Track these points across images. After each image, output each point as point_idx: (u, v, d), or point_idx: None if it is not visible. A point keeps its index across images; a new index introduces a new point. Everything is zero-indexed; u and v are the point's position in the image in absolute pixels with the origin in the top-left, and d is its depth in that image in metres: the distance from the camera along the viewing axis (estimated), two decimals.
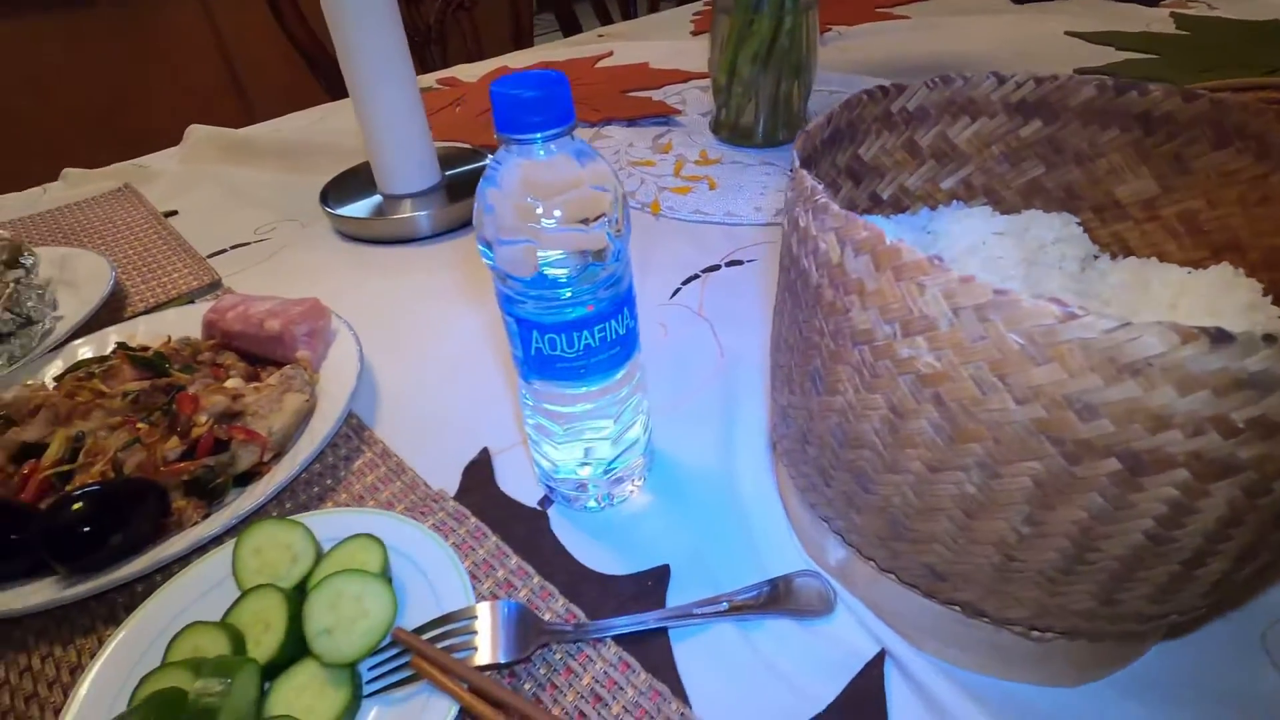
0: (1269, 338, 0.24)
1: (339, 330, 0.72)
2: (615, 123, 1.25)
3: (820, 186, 0.35)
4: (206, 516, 0.55)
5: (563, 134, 0.40)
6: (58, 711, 0.43)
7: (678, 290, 0.80)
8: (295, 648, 0.43)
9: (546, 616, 0.46)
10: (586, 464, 0.51)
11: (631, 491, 0.55)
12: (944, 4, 1.76)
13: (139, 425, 0.60)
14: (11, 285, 0.75)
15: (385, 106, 0.93)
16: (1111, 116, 0.48)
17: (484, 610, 0.44)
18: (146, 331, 0.75)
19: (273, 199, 1.09)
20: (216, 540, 0.53)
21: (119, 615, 0.50)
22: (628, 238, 0.45)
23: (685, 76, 1.41)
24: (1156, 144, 0.47)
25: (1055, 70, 0.51)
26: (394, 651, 0.43)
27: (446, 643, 0.42)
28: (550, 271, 0.41)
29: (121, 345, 0.70)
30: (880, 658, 0.43)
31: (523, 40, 2.09)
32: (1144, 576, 0.32)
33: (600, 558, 0.51)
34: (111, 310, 0.84)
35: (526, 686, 0.43)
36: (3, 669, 0.47)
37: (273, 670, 0.42)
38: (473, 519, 0.53)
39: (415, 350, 0.74)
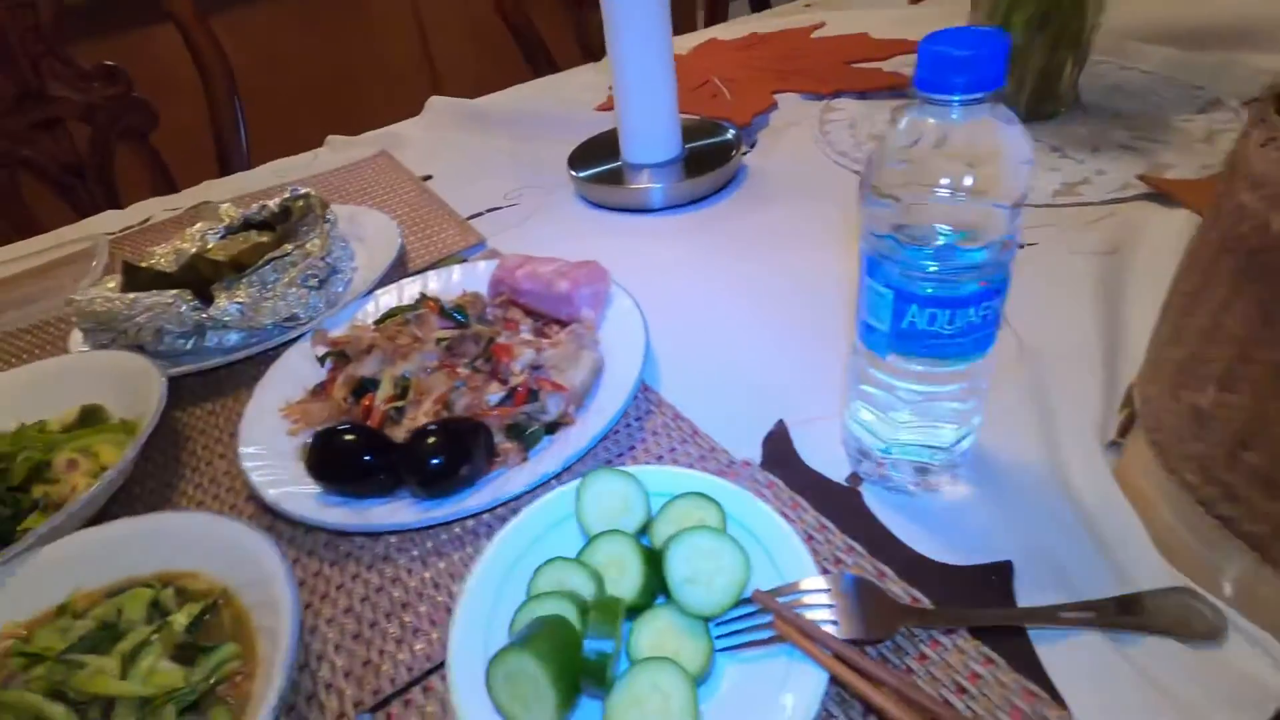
0: None
1: (615, 293, 0.74)
2: (846, 95, 1.20)
3: None
4: (524, 460, 0.58)
5: (988, 99, 0.37)
6: (425, 615, 0.48)
7: None
8: (648, 594, 0.45)
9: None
10: (932, 445, 0.49)
11: (950, 479, 0.52)
12: None
13: (459, 370, 0.65)
14: (327, 236, 0.84)
15: (642, 73, 0.94)
16: None
17: (828, 582, 0.44)
18: (435, 284, 0.82)
19: (515, 166, 1.15)
20: (542, 484, 0.56)
21: (466, 540, 0.54)
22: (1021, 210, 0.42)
23: (911, 47, 1.33)
24: None
25: None
26: (748, 610, 0.43)
27: (803, 611, 0.42)
28: (963, 244, 0.39)
29: (426, 296, 0.77)
30: None
31: (718, 14, 2.07)
32: None
33: (929, 544, 0.49)
34: (395, 264, 0.92)
35: None
36: (377, 574, 0.53)
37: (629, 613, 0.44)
38: (786, 490, 0.53)
39: (685, 317, 0.74)
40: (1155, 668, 0.40)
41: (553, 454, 0.57)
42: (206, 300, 0.75)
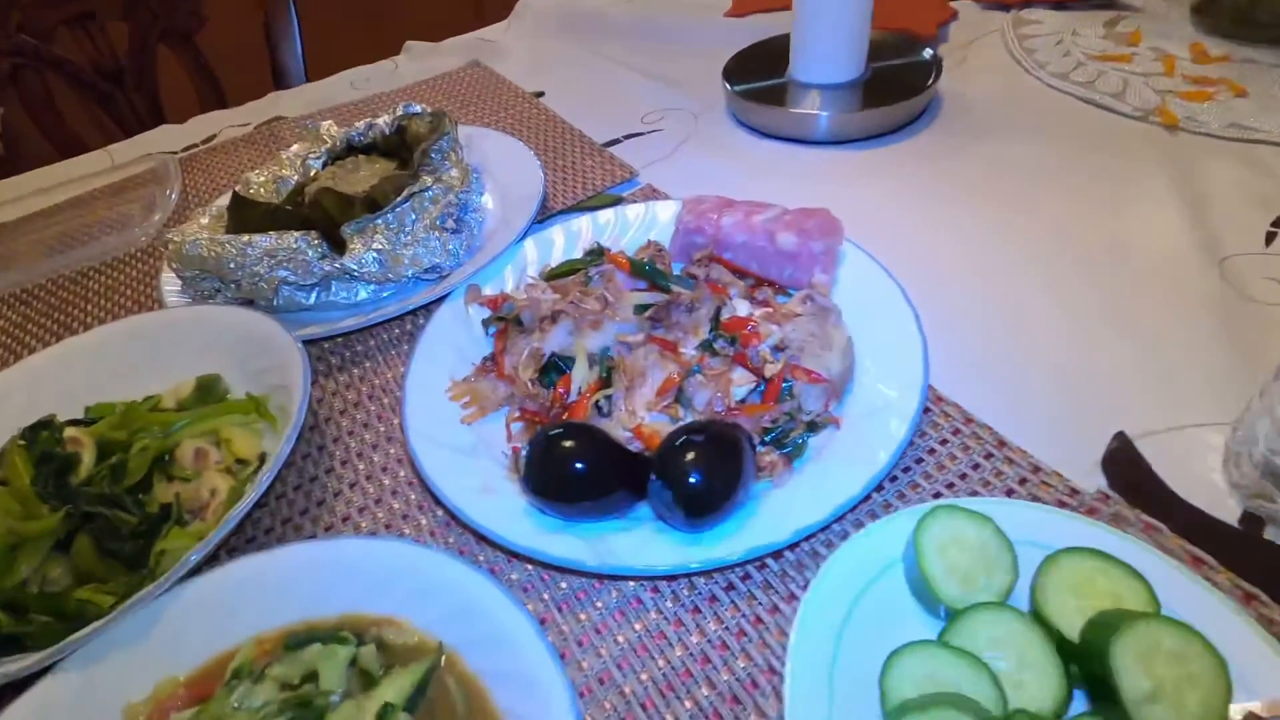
0: None
1: (847, 250, 0.59)
2: (1039, 6, 1.00)
3: None
4: (789, 474, 0.45)
5: None
6: (722, 696, 0.36)
7: (1275, 235, 0.60)
8: (1063, 702, 0.32)
9: None
10: None
11: None
12: None
13: (682, 352, 0.51)
14: (467, 168, 0.68)
15: None
16: None
17: None
18: (590, 231, 0.67)
19: (645, 82, 0.96)
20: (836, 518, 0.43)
21: (732, 580, 0.42)
22: None
23: None
24: None
25: None
26: None
27: None
28: None
29: (603, 248, 0.62)
30: None
31: None
32: None
33: None
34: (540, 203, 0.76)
35: None
36: (629, 627, 0.41)
37: None
38: (1173, 537, 0.40)
39: (928, 284, 0.59)
40: None
41: (831, 469, 0.44)
42: (333, 243, 0.60)
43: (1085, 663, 0.33)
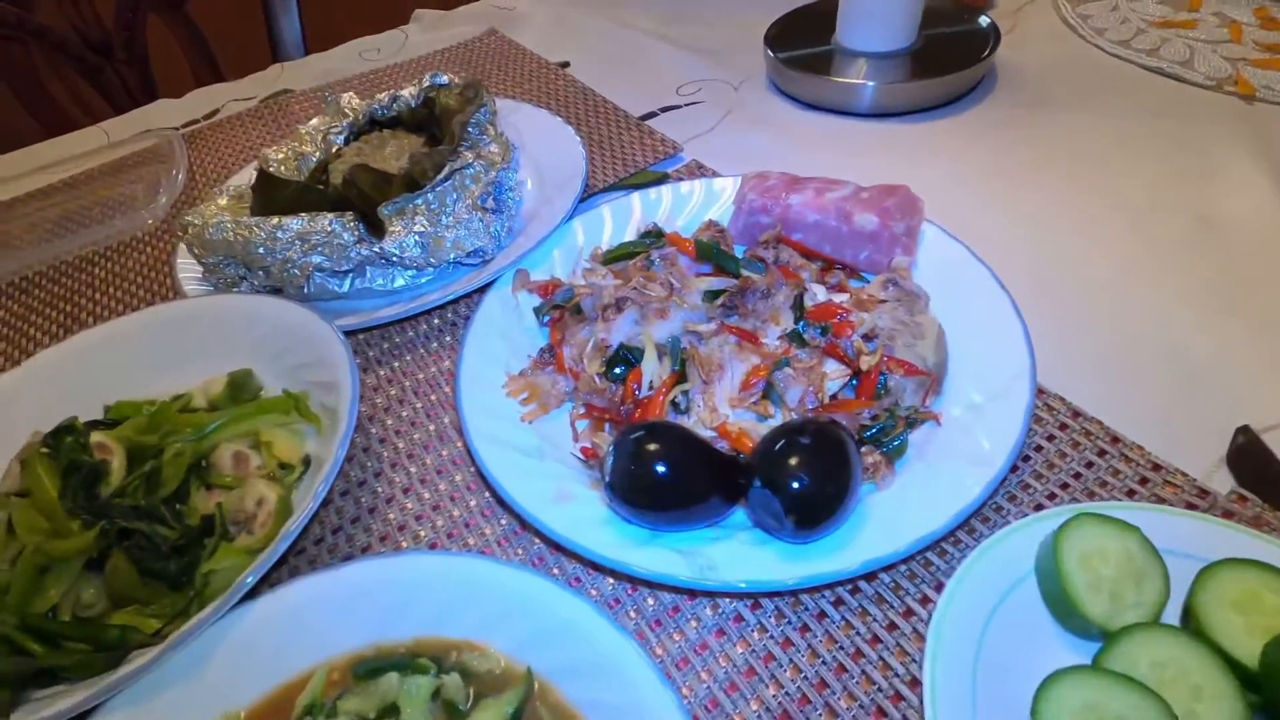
0: None
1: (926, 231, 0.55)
2: None
3: None
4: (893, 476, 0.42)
5: None
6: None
7: None
8: None
9: None
10: None
11: None
12: None
13: (763, 343, 0.47)
14: (508, 143, 0.63)
15: None
16: None
17: None
18: (640, 211, 0.62)
19: (678, 53, 0.91)
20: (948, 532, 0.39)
21: (842, 594, 0.38)
22: None
23: None
24: None
25: None
26: None
27: None
28: None
29: (659, 230, 0.57)
30: None
31: None
32: None
33: None
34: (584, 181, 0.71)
35: None
36: (730, 646, 0.37)
37: None
38: None
39: (1011, 266, 0.55)
40: None
41: (941, 471, 0.40)
42: (369, 225, 0.55)
43: (1269, 690, 0.29)
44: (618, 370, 0.48)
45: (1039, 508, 0.41)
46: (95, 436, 0.44)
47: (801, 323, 0.47)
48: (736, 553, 0.38)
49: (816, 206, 0.54)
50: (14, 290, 0.70)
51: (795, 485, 0.36)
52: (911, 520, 0.38)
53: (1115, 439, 0.43)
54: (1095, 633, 0.33)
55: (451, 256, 0.57)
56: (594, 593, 0.41)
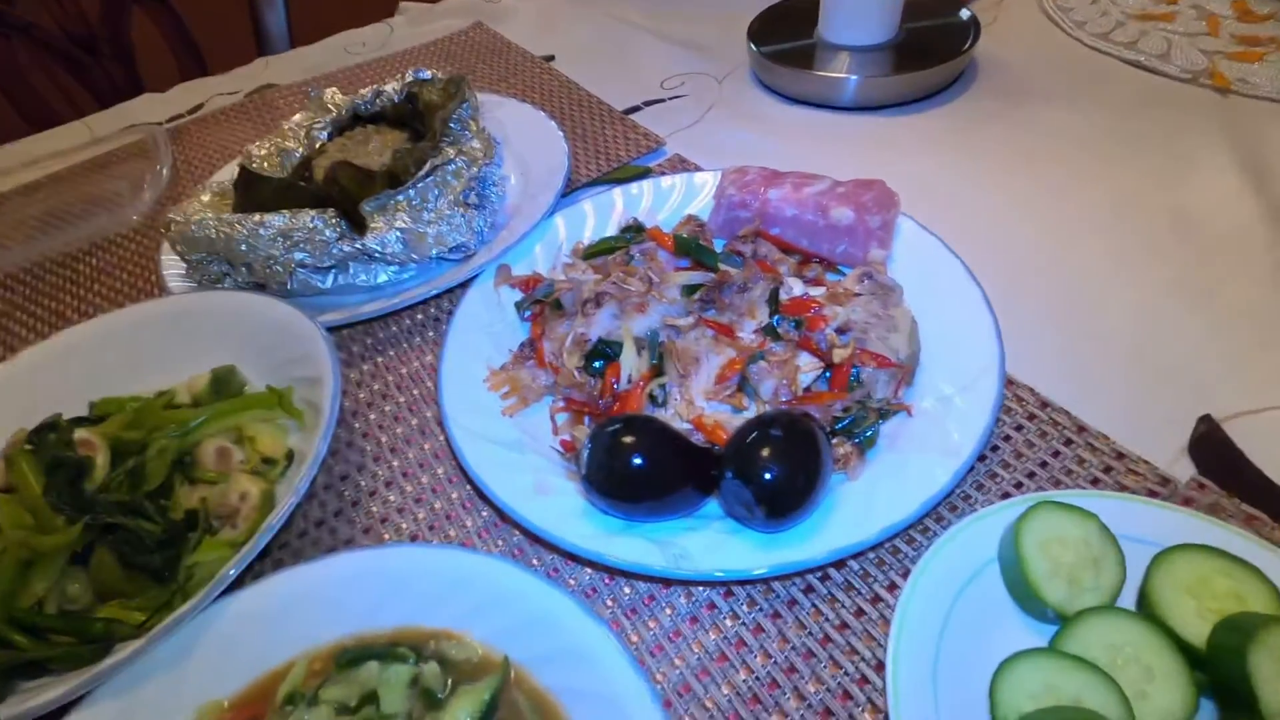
0: None
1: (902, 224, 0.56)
2: None
3: None
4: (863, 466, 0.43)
5: None
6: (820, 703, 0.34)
7: None
8: (1193, 709, 0.30)
9: None
10: None
11: None
12: None
13: (740, 336, 0.48)
14: (489, 138, 0.64)
15: None
16: None
17: None
18: (621, 205, 0.63)
19: (663, 46, 0.91)
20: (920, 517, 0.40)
21: (811, 581, 0.39)
22: None
23: None
24: None
25: None
26: None
27: None
28: None
29: (639, 225, 0.58)
30: None
31: None
32: None
33: None
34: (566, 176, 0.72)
35: None
36: (703, 634, 0.38)
37: None
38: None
39: (984, 258, 0.56)
40: None
41: (909, 461, 0.41)
42: (351, 222, 0.56)
43: (1215, 670, 0.31)
44: (597, 364, 0.49)
45: (1006, 496, 0.42)
46: (79, 433, 0.45)
47: (776, 317, 0.48)
48: (710, 542, 0.39)
49: (794, 201, 0.55)
50: None
51: (766, 476, 0.37)
52: (881, 509, 0.39)
53: (1081, 428, 0.44)
54: (1053, 617, 0.34)
55: (434, 252, 0.57)
56: (572, 582, 0.42)
